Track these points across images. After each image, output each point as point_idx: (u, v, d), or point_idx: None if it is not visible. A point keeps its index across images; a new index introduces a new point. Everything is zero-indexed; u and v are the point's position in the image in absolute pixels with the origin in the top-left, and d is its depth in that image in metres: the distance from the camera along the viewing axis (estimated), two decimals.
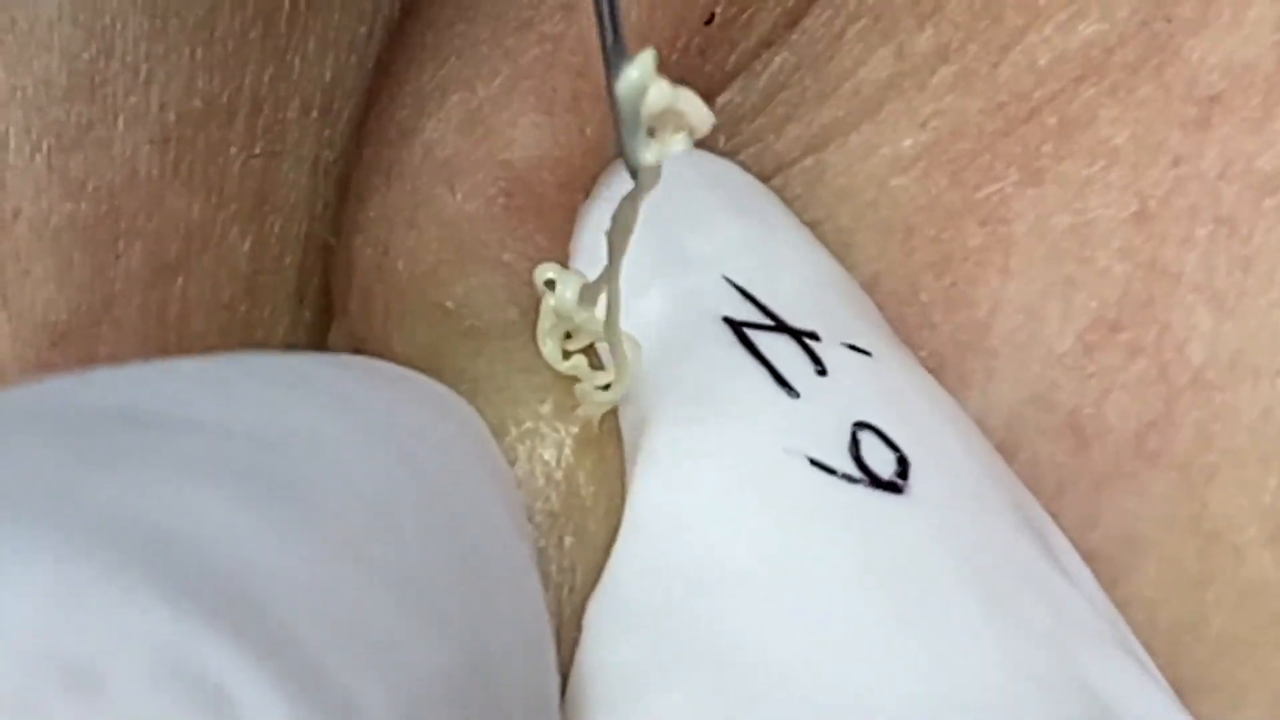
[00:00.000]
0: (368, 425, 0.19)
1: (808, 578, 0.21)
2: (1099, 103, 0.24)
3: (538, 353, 0.23)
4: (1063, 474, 0.24)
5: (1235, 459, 0.24)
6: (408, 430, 0.20)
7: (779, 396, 0.23)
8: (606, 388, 0.22)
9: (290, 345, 0.26)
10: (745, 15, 0.25)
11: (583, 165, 0.24)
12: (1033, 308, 0.24)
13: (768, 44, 0.25)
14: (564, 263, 0.24)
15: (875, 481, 0.22)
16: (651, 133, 0.19)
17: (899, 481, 0.22)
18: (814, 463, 0.22)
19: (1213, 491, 0.24)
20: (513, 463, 0.22)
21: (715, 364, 0.23)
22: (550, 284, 0.22)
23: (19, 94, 0.24)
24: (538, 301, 0.23)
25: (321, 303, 0.26)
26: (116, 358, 0.25)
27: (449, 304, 0.23)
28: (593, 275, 0.22)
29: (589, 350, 0.23)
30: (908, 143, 0.25)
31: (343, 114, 0.26)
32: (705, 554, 0.21)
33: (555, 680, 0.21)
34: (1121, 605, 0.23)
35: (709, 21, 0.25)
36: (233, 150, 0.25)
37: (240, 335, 0.26)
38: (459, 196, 0.23)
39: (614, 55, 0.19)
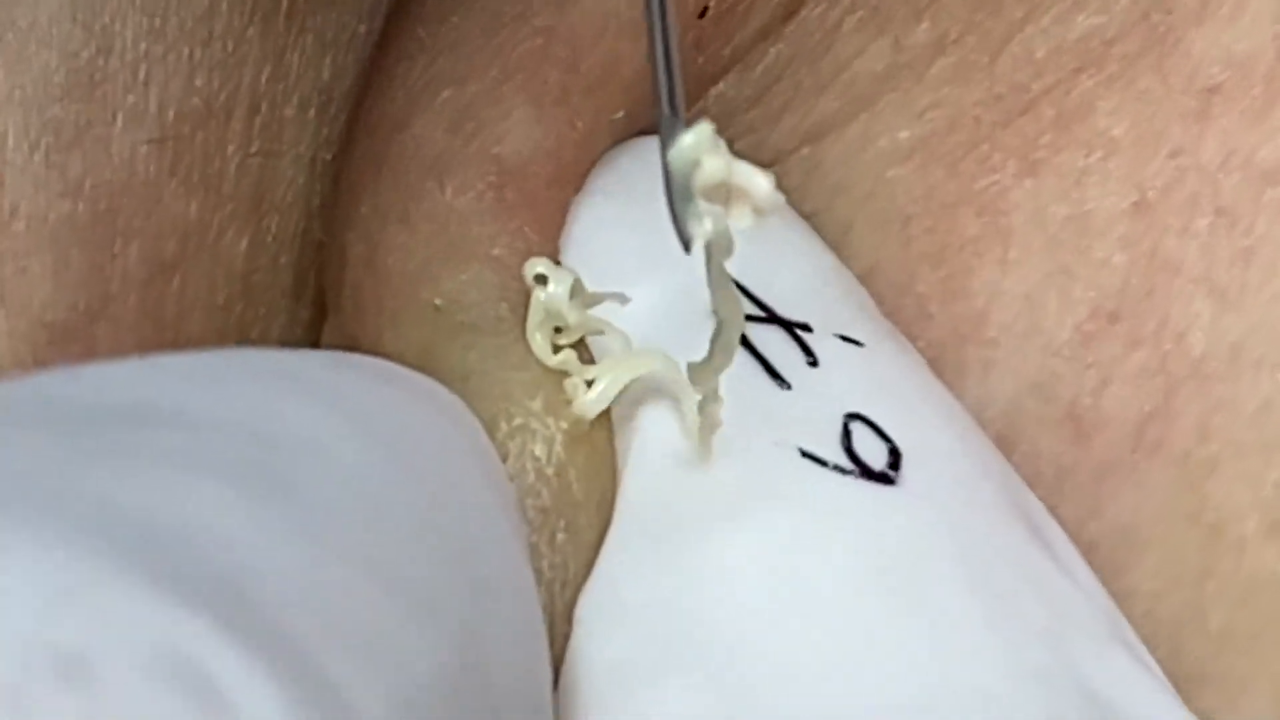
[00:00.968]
0: (362, 421, 0.19)
1: (800, 570, 0.21)
2: (1097, 94, 0.24)
3: (529, 348, 0.23)
4: (1062, 465, 0.24)
5: (1236, 451, 0.24)
6: (402, 426, 0.20)
7: (770, 388, 0.22)
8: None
9: (286, 344, 0.26)
10: (741, 7, 0.25)
11: (573, 160, 0.24)
12: (1031, 298, 0.24)
13: (763, 36, 0.25)
14: (555, 257, 0.24)
15: (867, 473, 0.22)
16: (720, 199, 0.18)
17: (891, 473, 0.22)
18: (805, 454, 0.22)
19: (1213, 484, 0.24)
20: (504, 459, 0.22)
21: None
22: (540, 279, 0.22)
23: (18, 92, 0.24)
24: (528, 297, 0.23)
25: (318, 302, 0.26)
26: (113, 356, 0.25)
27: (439, 300, 0.23)
28: (582, 270, 0.23)
29: (579, 345, 0.23)
30: (904, 134, 0.25)
31: (340, 113, 0.26)
32: (697, 547, 0.21)
33: (549, 676, 0.21)
34: (1121, 598, 0.23)
35: (703, 14, 0.25)
36: (230, 149, 0.25)
37: (236, 334, 0.26)
38: (449, 192, 0.23)
39: (669, 123, 0.19)
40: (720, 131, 0.25)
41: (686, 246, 0.19)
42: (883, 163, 0.25)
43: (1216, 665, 0.24)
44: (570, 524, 0.22)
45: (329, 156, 0.26)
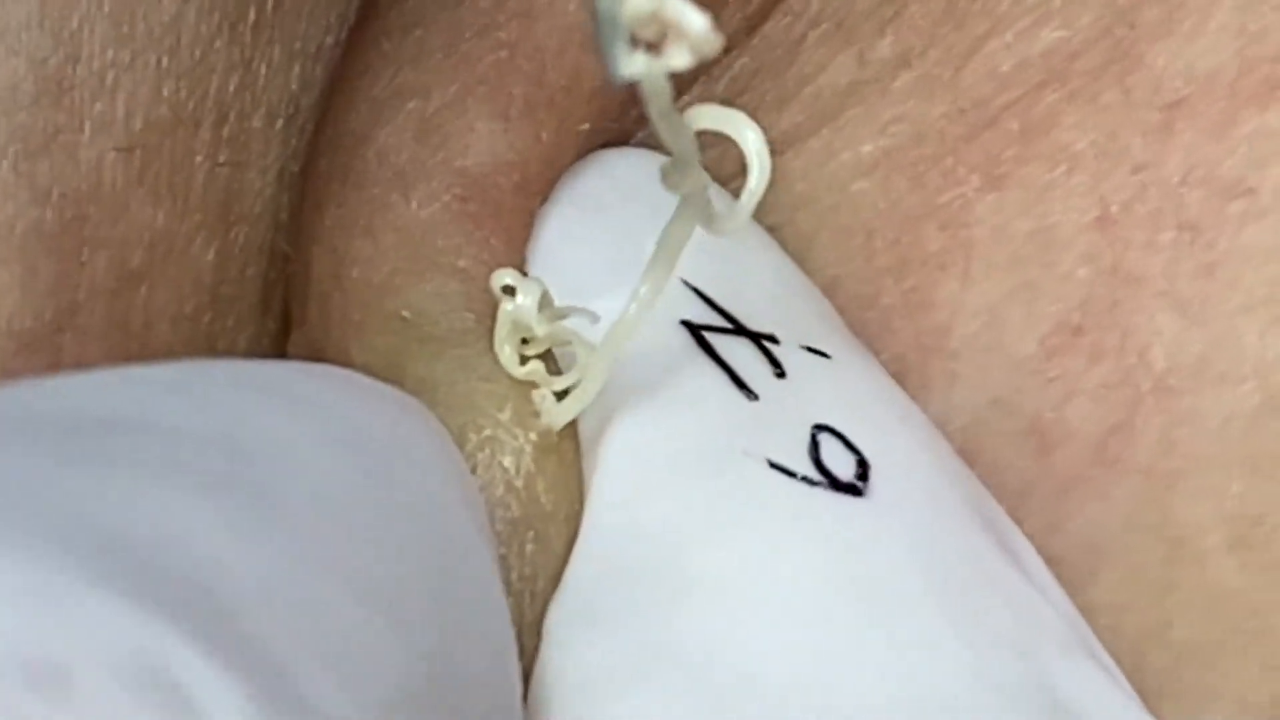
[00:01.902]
0: (333, 431, 0.19)
1: (769, 581, 0.21)
2: (1061, 109, 0.24)
3: (496, 360, 0.23)
4: (1025, 479, 0.24)
5: (1199, 465, 0.24)
6: (372, 436, 0.20)
7: (738, 399, 0.23)
8: (565, 393, 0.22)
9: (253, 355, 0.26)
10: None
11: (539, 171, 0.24)
12: (994, 312, 0.24)
13: (727, 49, 0.25)
14: (521, 268, 0.24)
15: (835, 484, 0.22)
16: (646, 46, 0.17)
17: (859, 484, 0.22)
18: (774, 465, 0.22)
19: (1176, 497, 0.24)
20: (473, 470, 0.22)
21: (674, 368, 0.23)
22: (508, 290, 0.22)
23: None
24: (495, 308, 0.23)
25: (285, 313, 0.26)
26: (80, 366, 0.25)
27: (406, 312, 0.23)
28: (550, 281, 0.22)
29: (547, 356, 0.23)
30: (868, 148, 0.25)
31: (308, 125, 0.26)
32: (667, 557, 0.21)
33: (518, 686, 0.21)
34: (1085, 611, 0.23)
35: None
36: (198, 159, 0.25)
37: (204, 345, 0.26)
38: (414, 203, 0.23)
39: None
40: None
41: (615, 82, 0.17)
42: (846, 176, 0.25)
43: (1179, 678, 0.24)
44: (539, 535, 0.22)
45: (296, 169, 0.26)
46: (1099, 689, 0.22)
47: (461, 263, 0.23)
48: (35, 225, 0.24)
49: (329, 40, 0.26)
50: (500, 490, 0.22)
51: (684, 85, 0.25)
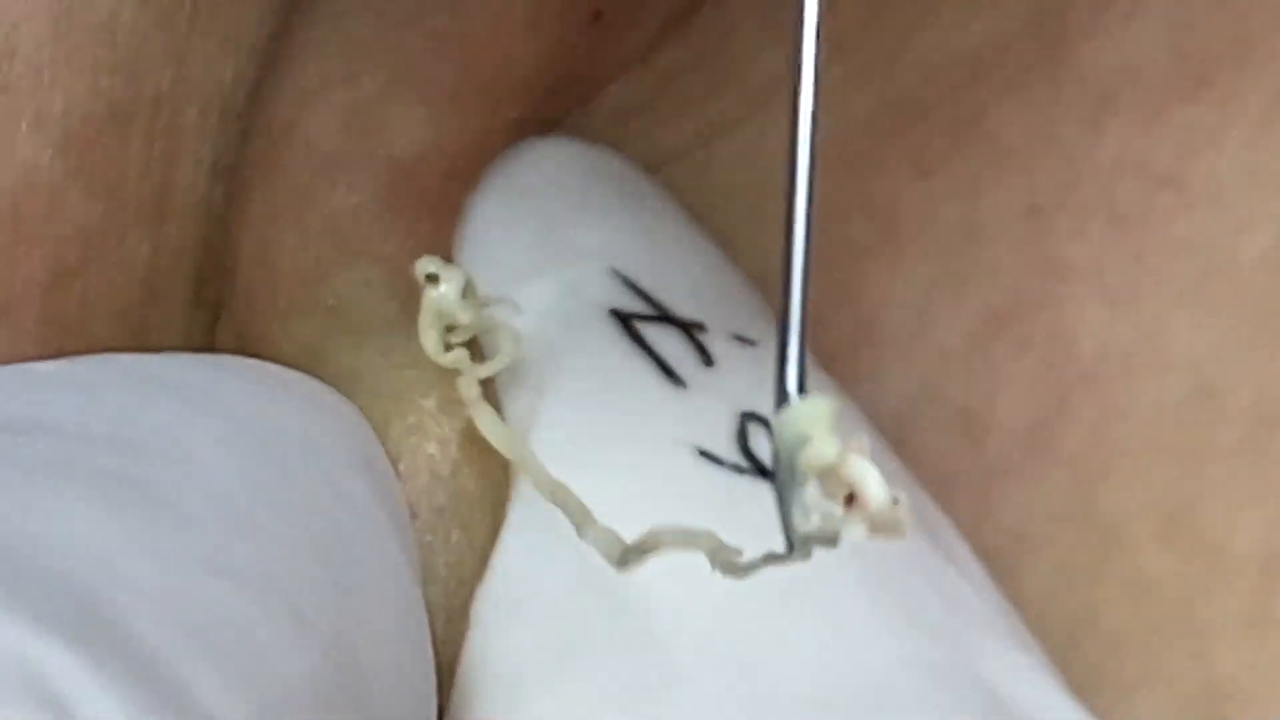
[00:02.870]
0: (234, 427, 0.19)
1: (699, 568, 0.21)
2: (991, 101, 0.24)
3: (421, 348, 0.23)
4: (953, 468, 0.24)
5: (1126, 455, 0.24)
6: (277, 431, 0.20)
7: (666, 388, 0.23)
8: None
9: (187, 348, 0.26)
10: (634, 12, 0.25)
11: (467, 160, 0.24)
12: (922, 302, 0.24)
13: (658, 40, 0.25)
14: (449, 256, 0.24)
15: (763, 471, 0.22)
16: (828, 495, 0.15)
17: None
18: (702, 453, 0.22)
19: (1104, 487, 0.24)
20: (398, 459, 0.22)
21: (602, 357, 0.23)
22: (432, 278, 0.22)
23: None
24: (420, 295, 0.23)
25: (217, 304, 0.26)
26: (13, 363, 0.25)
27: (331, 300, 0.23)
28: (476, 268, 0.23)
29: (471, 343, 0.23)
30: None
31: (241, 117, 0.26)
32: None
33: (432, 677, 0.21)
34: (1015, 600, 0.23)
35: (597, 18, 0.25)
36: (133, 153, 0.25)
37: (138, 338, 0.26)
38: (341, 191, 0.23)
39: (781, 391, 0.17)
40: (614, 134, 0.25)
41: (790, 543, 0.16)
42: (773, 165, 0.25)
43: (1110, 666, 0.24)
44: (466, 522, 0.22)
45: (229, 161, 0.26)
46: (1030, 676, 0.22)
47: (387, 250, 0.23)
48: None
49: (263, 31, 0.25)
50: (425, 478, 0.22)
51: (613, 75, 0.26)
